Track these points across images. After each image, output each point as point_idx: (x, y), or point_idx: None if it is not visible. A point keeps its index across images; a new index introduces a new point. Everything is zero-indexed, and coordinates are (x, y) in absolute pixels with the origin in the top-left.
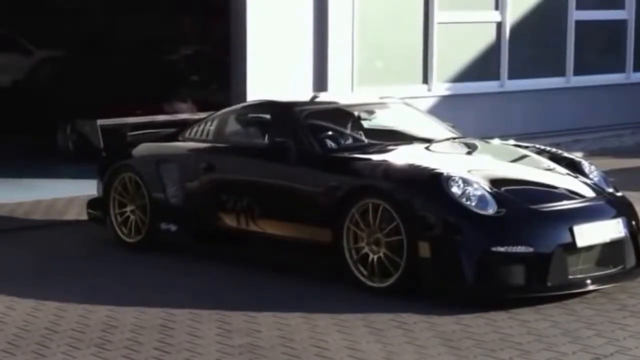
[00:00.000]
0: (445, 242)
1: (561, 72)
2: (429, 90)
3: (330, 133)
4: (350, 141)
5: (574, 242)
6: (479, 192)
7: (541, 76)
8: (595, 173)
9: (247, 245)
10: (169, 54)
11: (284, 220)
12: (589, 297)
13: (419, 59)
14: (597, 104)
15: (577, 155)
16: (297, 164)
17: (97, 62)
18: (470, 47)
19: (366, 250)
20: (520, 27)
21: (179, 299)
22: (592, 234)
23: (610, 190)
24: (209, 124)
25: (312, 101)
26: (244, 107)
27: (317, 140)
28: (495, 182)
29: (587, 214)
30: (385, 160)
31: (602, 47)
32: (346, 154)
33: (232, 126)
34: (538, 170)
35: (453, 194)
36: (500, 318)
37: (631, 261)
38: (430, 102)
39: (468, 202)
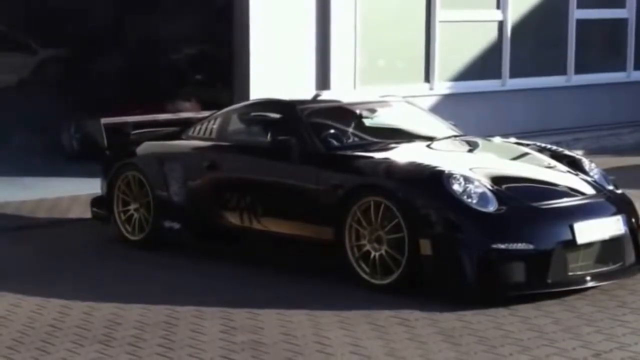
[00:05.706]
0: (447, 239)
1: (562, 71)
2: (431, 88)
3: (332, 131)
4: (352, 139)
5: (574, 240)
6: (480, 190)
7: (542, 75)
8: (595, 171)
9: (250, 243)
10: (172, 53)
11: (286, 218)
12: (589, 294)
13: (421, 57)
14: (598, 102)
15: (577, 154)
16: (300, 162)
17: (101, 61)
18: (472, 46)
19: (368, 247)
20: (522, 26)
21: (182, 297)
22: (592, 231)
23: (611, 187)
24: (212, 122)
25: (314, 100)
26: (246, 106)
27: (319, 139)
28: (496, 180)
29: (587, 212)
30: (387, 158)
31: (602, 45)
32: (348, 152)
33: (235, 125)
34: (539, 168)
35: (454, 191)
36: (501, 314)
37: (630, 258)
38: (431, 100)
39: (469, 200)
